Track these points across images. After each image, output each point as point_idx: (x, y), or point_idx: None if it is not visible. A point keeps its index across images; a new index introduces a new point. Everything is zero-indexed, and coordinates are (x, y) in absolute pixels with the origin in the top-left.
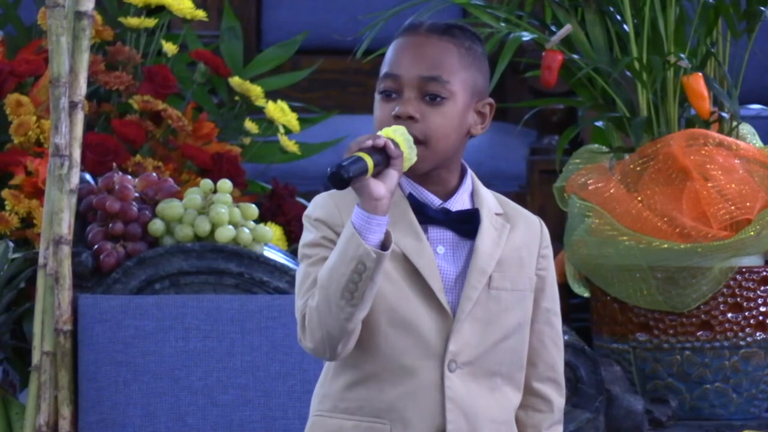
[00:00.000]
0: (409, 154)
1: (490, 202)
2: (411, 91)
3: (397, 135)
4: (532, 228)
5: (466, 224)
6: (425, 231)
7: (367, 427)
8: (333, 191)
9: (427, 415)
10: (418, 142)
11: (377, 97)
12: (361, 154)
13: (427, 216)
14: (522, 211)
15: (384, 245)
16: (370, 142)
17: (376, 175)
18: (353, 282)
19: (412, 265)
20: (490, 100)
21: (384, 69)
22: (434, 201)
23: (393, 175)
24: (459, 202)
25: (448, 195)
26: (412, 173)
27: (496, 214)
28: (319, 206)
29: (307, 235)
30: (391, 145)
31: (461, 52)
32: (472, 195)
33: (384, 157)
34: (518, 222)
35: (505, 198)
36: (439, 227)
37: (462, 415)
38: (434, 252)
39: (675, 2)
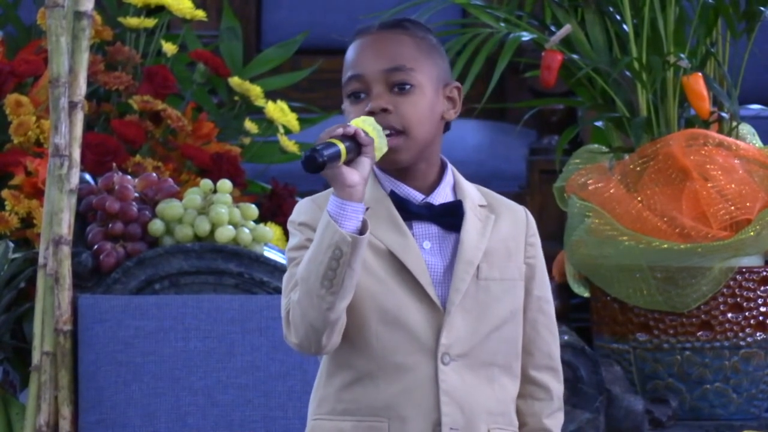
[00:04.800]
0: (380, 142)
1: (473, 194)
2: (378, 86)
3: (366, 125)
4: (517, 217)
5: (450, 217)
6: (410, 227)
7: (366, 427)
8: (316, 196)
9: (424, 410)
10: (397, 132)
11: (346, 102)
12: (333, 140)
13: (410, 212)
14: (506, 201)
15: (361, 232)
16: (340, 131)
17: (348, 162)
18: (331, 269)
19: (399, 261)
20: (457, 83)
21: (347, 73)
22: (416, 196)
23: (365, 162)
24: (441, 196)
25: (429, 189)
26: (394, 167)
27: (480, 206)
28: (303, 211)
29: (293, 240)
30: (362, 133)
31: (417, 42)
32: (455, 188)
33: (355, 144)
34: (503, 212)
35: (488, 190)
36: (424, 222)
37: (457, 407)
38: (420, 247)
39: (675, 2)
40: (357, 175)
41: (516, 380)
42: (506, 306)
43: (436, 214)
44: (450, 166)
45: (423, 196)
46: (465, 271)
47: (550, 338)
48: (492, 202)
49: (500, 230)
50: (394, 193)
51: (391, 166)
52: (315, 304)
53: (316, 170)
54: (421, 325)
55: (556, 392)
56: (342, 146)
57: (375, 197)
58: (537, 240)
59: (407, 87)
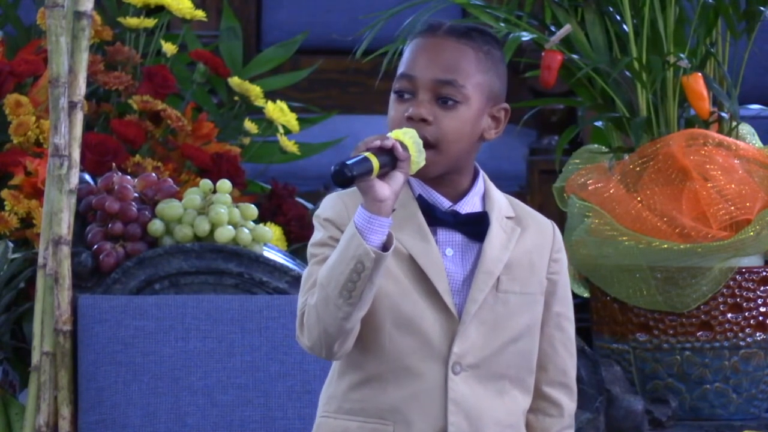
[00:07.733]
0: (418, 157)
1: (502, 204)
2: (425, 94)
3: (407, 138)
4: (544, 232)
5: (475, 227)
6: (434, 233)
7: (371, 429)
8: (343, 191)
9: (430, 417)
10: (429, 145)
11: (392, 96)
12: (367, 154)
13: (436, 218)
14: (535, 214)
15: (385, 247)
16: (378, 143)
17: (382, 176)
18: (352, 281)
19: (418, 266)
20: (506, 105)
21: (400, 69)
22: (444, 203)
23: (399, 177)
24: (469, 205)
25: (458, 197)
26: (423, 176)
27: (507, 218)
28: (329, 207)
29: (316, 235)
30: (399, 147)
31: (479, 56)
32: (484, 197)
33: (391, 158)
34: (530, 225)
35: (519, 201)
36: (448, 229)
37: (464, 417)
38: (442, 254)
39: (674, 2)
40: (388, 189)
41: (528, 394)
42: (523, 320)
43: (461, 223)
44: (482, 175)
45: (450, 203)
46: (484, 281)
47: (567, 355)
48: (520, 214)
49: (525, 243)
50: (422, 197)
51: (420, 175)
52: (331, 312)
53: (344, 185)
54: (435, 332)
55: (567, 410)
56: (375, 161)
57: (402, 201)
58: (562, 256)
59: (453, 102)
